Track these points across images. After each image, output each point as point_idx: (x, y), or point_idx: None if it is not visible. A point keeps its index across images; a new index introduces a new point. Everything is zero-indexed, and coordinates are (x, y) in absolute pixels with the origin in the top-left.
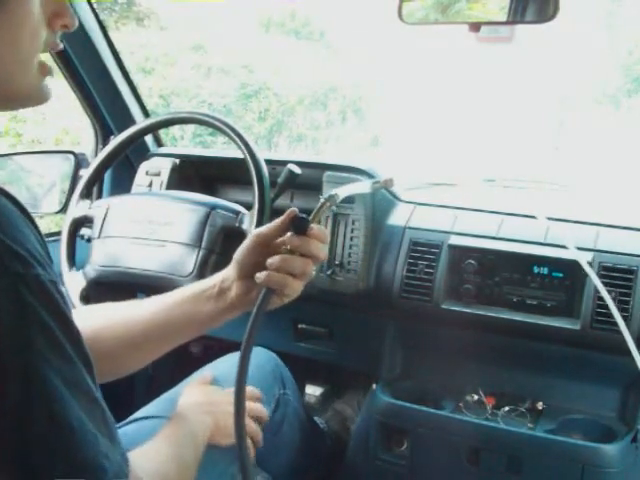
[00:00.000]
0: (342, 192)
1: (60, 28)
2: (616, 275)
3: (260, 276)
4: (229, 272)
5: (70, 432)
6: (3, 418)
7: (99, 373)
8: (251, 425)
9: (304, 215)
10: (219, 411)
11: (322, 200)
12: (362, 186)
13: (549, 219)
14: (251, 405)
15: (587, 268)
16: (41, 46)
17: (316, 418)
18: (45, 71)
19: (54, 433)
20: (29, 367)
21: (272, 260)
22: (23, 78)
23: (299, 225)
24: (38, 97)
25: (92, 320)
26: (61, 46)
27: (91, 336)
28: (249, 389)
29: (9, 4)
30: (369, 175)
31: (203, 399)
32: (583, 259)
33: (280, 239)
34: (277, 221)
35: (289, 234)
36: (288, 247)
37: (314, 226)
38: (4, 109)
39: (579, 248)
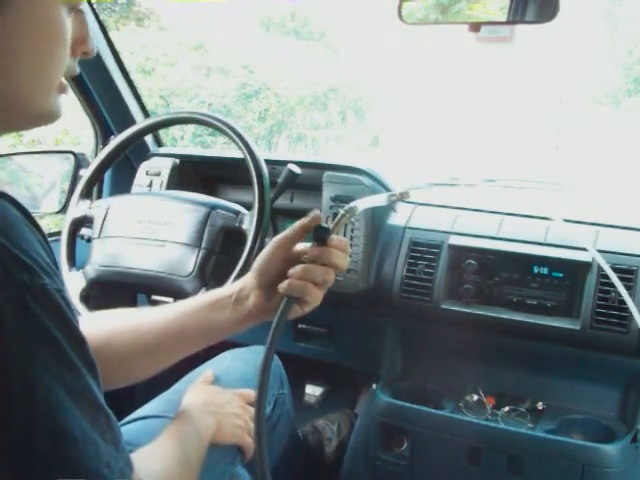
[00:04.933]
0: (361, 204)
1: (80, 55)
2: (616, 275)
3: (282, 285)
4: (248, 281)
5: (72, 442)
6: (6, 426)
7: (109, 379)
8: (251, 426)
9: (326, 225)
10: (222, 412)
11: (342, 212)
12: (379, 199)
13: (563, 220)
14: (250, 408)
15: (607, 269)
16: (64, 71)
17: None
18: (61, 90)
19: (55, 443)
20: (33, 377)
21: (294, 270)
22: (44, 101)
23: (320, 235)
24: (52, 116)
25: (104, 325)
26: (78, 71)
27: (103, 341)
28: (252, 392)
29: (49, 25)
30: (369, 175)
31: (207, 399)
32: (602, 261)
33: (300, 248)
34: (296, 225)
35: (310, 244)
36: (309, 257)
37: (335, 237)
38: (19, 129)
39: (579, 248)
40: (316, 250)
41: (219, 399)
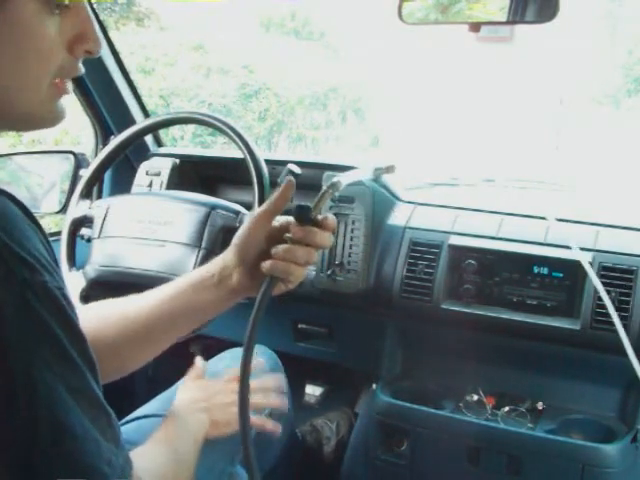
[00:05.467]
0: (344, 179)
1: (83, 54)
2: (616, 275)
3: (265, 265)
4: (228, 258)
5: (73, 439)
6: (8, 424)
7: (104, 371)
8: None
9: (306, 204)
10: (215, 405)
11: (324, 188)
12: (363, 172)
13: (555, 220)
14: (255, 399)
15: (588, 269)
16: (54, 70)
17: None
18: (59, 91)
19: (57, 440)
20: (34, 374)
21: (276, 250)
22: (30, 101)
23: (302, 215)
24: (50, 119)
25: (92, 318)
26: (83, 71)
27: (92, 334)
28: (259, 382)
29: (15, 24)
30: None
31: (198, 395)
32: (585, 260)
33: (280, 222)
34: (273, 197)
35: (292, 222)
36: (292, 237)
37: (323, 215)
38: (13, 129)
39: (579, 248)
40: (300, 231)
41: (208, 392)
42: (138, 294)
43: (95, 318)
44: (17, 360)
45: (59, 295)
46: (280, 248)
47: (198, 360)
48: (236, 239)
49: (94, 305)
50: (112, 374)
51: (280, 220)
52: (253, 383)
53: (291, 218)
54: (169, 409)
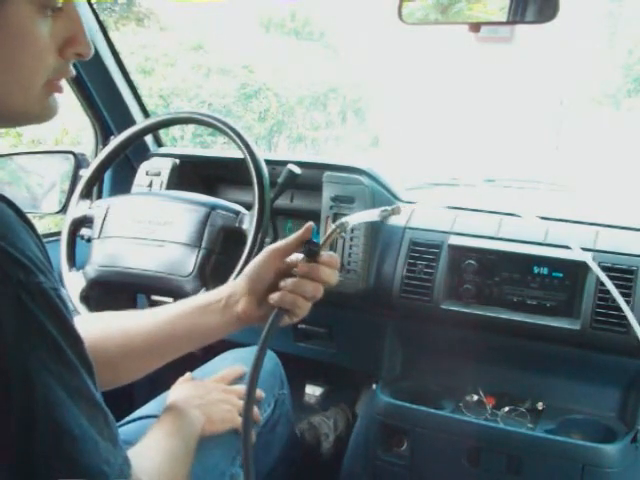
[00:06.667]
0: (352, 220)
1: (73, 57)
2: (616, 275)
3: (274, 297)
4: (238, 287)
5: (71, 440)
6: (6, 425)
7: (98, 381)
8: (239, 404)
9: (315, 240)
10: (208, 401)
11: (333, 227)
12: (371, 214)
13: (544, 219)
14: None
15: (594, 267)
16: (47, 72)
17: None
18: (52, 88)
19: (55, 441)
20: (31, 375)
21: (285, 283)
22: (22, 99)
23: (310, 250)
24: (42, 115)
25: (92, 329)
26: (73, 73)
27: (91, 345)
28: (243, 388)
29: (10, 26)
30: (369, 175)
31: (189, 394)
32: (589, 259)
33: (292, 259)
34: (290, 238)
35: (301, 259)
36: (299, 272)
37: (327, 253)
38: (8, 125)
39: (580, 248)
40: (305, 267)
41: (201, 391)
42: (141, 303)
43: (97, 331)
44: (14, 361)
45: (54, 296)
46: (289, 281)
47: (205, 370)
48: (248, 270)
49: (97, 316)
50: (107, 385)
51: (291, 257)
52: (242, 389)
53: (301, 255)
54: (165, 407)
